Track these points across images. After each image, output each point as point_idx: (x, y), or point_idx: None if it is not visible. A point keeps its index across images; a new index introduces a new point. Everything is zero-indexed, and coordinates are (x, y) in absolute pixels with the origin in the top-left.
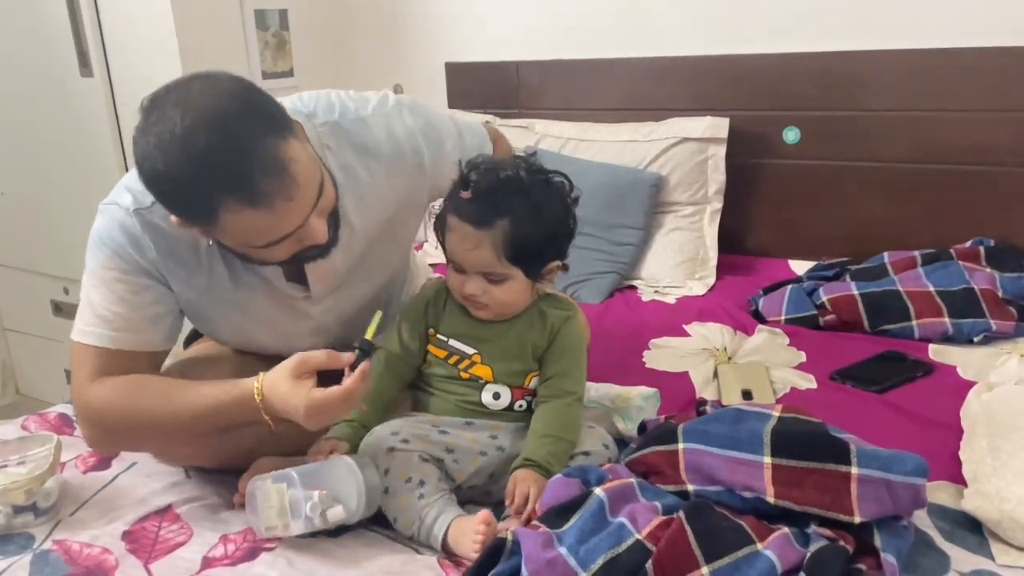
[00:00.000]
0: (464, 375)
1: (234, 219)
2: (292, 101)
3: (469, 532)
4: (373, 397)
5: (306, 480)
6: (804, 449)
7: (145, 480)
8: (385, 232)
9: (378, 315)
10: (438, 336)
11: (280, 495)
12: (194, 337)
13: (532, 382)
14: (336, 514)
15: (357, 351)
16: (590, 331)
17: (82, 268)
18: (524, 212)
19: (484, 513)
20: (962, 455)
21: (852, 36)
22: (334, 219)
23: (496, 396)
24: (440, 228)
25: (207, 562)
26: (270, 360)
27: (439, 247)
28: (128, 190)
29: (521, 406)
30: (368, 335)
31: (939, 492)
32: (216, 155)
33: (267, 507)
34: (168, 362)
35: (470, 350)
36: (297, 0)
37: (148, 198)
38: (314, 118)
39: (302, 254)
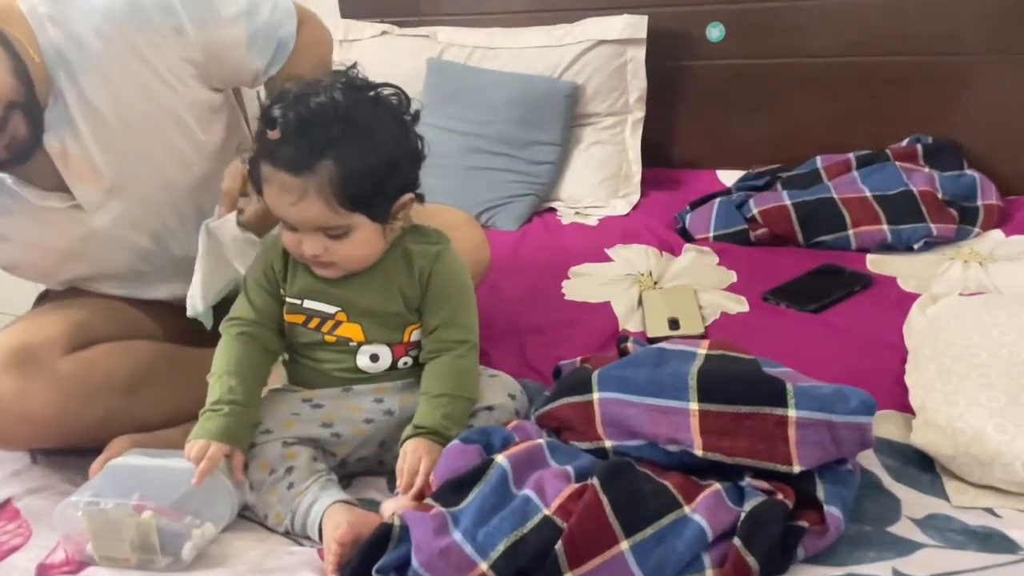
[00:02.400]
0: (330, 338)
1: None
2: None
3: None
4: (237, 372)
5: (173, 503)
6: (735, 392)
7: None
8: (156, 114)
9: None
10: (290, 300)
11: (144, 529)
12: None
13: (414, 335)
14: (206, 538)
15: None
16: (486, 256)
17: None
18: (350, 144)
19: (342, 531)
20: (908, 380)
21: None
22: (25, 111)
23: (374, 358)
24: (255, 179)
25: (43, 571)
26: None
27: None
28: None
29: (406, 363)
30: None
31: (885, 423)
32: None
33: (112, 537)
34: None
35: (331, 308)
36: None
37: None
38: None
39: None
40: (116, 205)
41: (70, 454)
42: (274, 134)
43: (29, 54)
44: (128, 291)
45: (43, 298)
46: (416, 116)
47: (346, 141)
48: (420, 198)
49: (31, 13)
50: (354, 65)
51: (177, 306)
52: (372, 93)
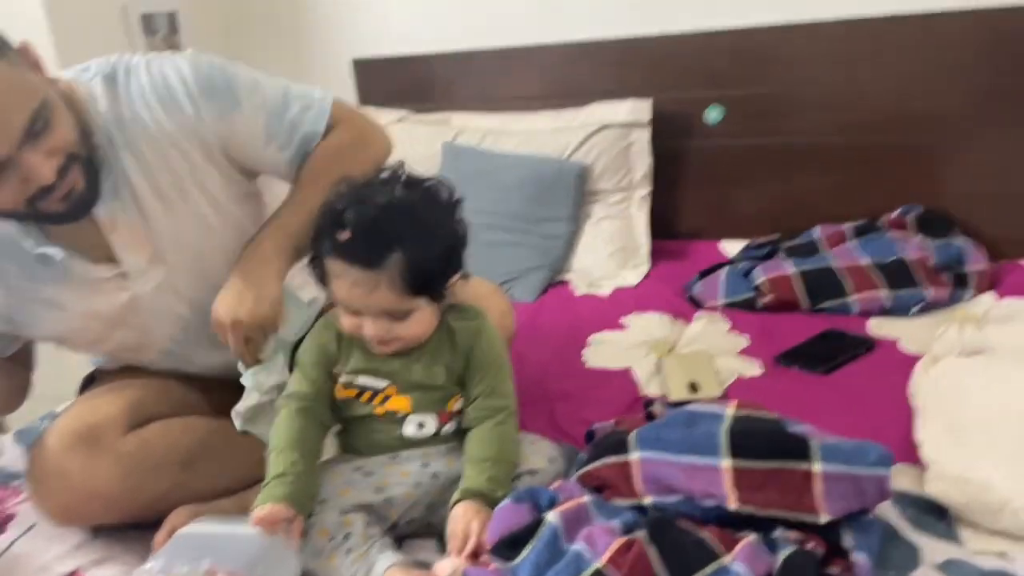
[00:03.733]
0: (380, 410)
1: None
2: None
3: None
4: (298, 446)
5: (242, 567)
6: (763, 448)
7: (46, 544)
8: (190, 190)
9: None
10: (344, 378)
11: None
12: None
13: (457, 404)
14: None
15: None
16: (512, 322)
17: None
18: (416, 237)
19: None
20: (919, 435)
21: (768, 11)
22: (86, 167)
23: (420, 426)
24: (319, 272)
25: None
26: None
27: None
28: None
29: (449, 430)
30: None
31: (899, 476)
32: None
33: None
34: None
35: (382, 383)
36: (187, 1)
37: None
38: (86, 72)
39: (46, 207)
40: (157, 273)
41: (129, 528)
42: (344, 235)
43: (93, 119)
44: (172, 363)
45: (90, 381)
46: (460, 202)
47: (411, 236)
48: (466, 276)
49: (89, 96)
50: (402, 164)
51: (221, 381)
52: (426, 187)
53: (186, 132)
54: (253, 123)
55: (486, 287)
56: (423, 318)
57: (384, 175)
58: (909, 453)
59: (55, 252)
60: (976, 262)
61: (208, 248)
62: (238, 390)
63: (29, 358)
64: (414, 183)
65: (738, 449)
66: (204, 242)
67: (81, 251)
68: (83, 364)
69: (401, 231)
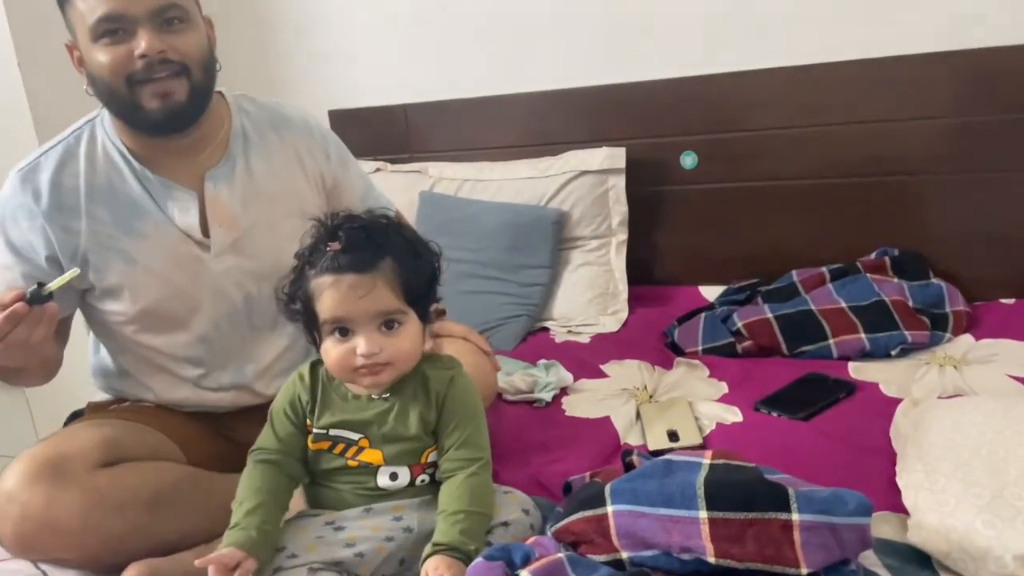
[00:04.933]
0: (352, 463)
1: None
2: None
3: None
4: (258, 497)
5: None
6: (741, 499)
7: None
8: (292, 199)
9: (74, 271)
10: (316, 430)
11: None
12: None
13: (431, 456)
14: None
15: (31, 291)
16: (494, 380)
17: None
18: (404, 248)
19: None
20: (900, 482)
21: (740, 58)
22: (194, 89)
23: (393, 477)
24: (305, 295)
25: None
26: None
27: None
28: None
29: (423, 480)
30: (52, 286)
31: (882, 524)
32: None
33: None
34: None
35: (355, 435)
36: None
37: (33, 155)
38: (232, 91)
39: (142, 94)
40: (231, 258)
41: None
42: (334, 245)
43: (236, 115)
44: (200, 355)
45: (73, 418)
46: (440, 255)
47: (401, 246)
48: (443, 312)
49: (232, 101)
50: (384, 210)
51: (204, 434)
52: (411, 230)
53: (313, 160)
54: (356, 184)
55: (468, 345)
56: (412, 332)
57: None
58: (892, 500)
59: (151, 208)
60: (954, 304)
61: (284, 255)
62: (219, 443)
63: (66, 331)
64: (395, 219)
65: (715, 500)
66: (283, 248)
67: (176, 204)
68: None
69: (392, 241)
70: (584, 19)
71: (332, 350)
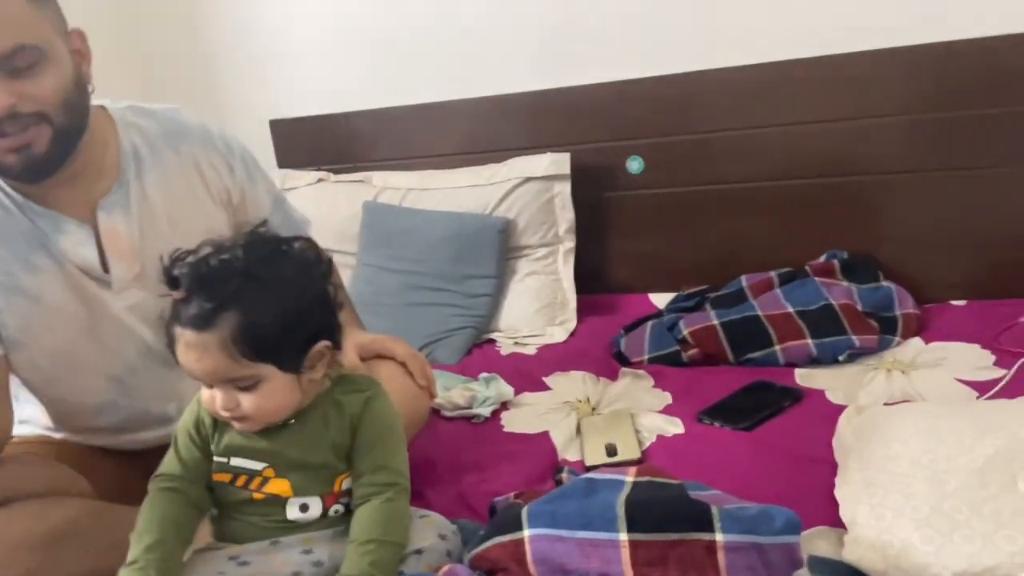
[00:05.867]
0: (258, 496)
1: None
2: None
3: None
4: (159, 529)
5: None
6: (662, 519)
7: None
8: (197, 220)
9: None
10: (217, 459)
11: None
12: None
13: (344, 483)
14: None
15: None
16: (425, 405)
17: None
18: (250, 297)
19: None
20: (837, 494)
21: (681, 58)
22: (57, 135)
23: (304, 508)
24: (170, 343)
25: None
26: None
27: None
28: None
29: (337, 511)
30: None
31: (818, 541)
32: None
33: None
34: None
35: (258, 465)
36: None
37: None
38: (118, 103)
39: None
40: (136, 293)
41: None
42: (178, 294)
43: (124, 132)
44: (112, 398)
45: None
46: (329, 264)
47: (246, 294)
48: (337, 346)
49: (119, 117)
50: (263, 223)
51: (115, 462)
52: (276, 247)
53: (216, 174)
54: (264, 200)
55: (394, 369)
56: (274, 390)
57: (236, 235)
58: (832, 514)
59: (47, 238)
60: (904, 306)
61: None
62: (132, 470)
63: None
64: (262, 242)
65: (636, 521)
66: None
67: (72, 252)
68: None
69: (232, 290)
70: (526, 23)
71: (202, 394)
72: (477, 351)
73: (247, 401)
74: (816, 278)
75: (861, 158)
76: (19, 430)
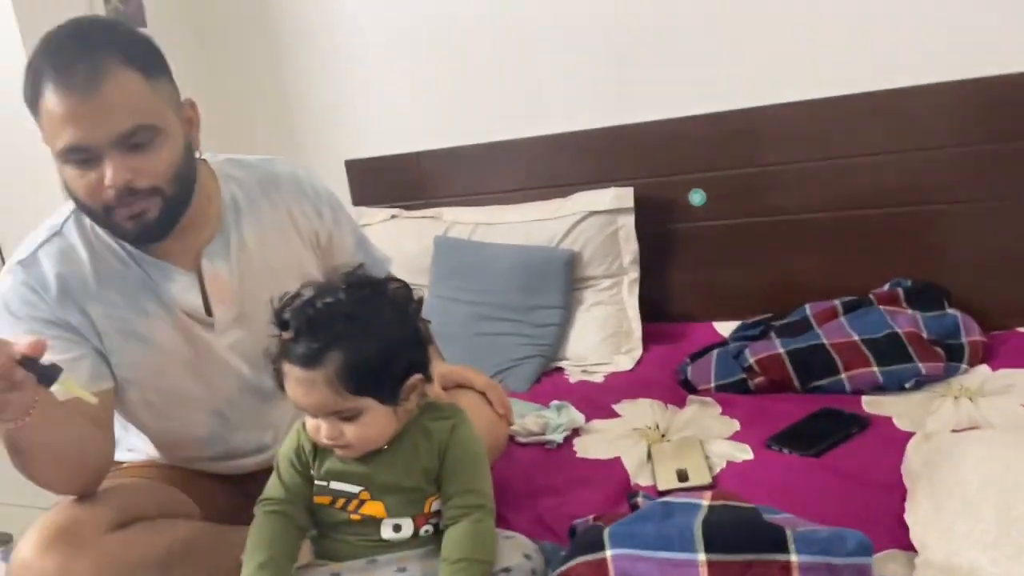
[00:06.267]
0: (355, 517)
1: (46, 102)
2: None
3: None
4: (268, 549)
5: None
6: (739, 541)
7: None
8: (290, 264)
9: (91, 397)
10: (318, 483)
11: None
12: None
13: (433, 505)
14: None
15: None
16: (504, 431)
17: None
18: (353, 337)
19: None
20: (908, 518)
21: (744, 95)
22: (167, 205)
23: (397, 528)
24: (278, 378)
25: None
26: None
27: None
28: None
29: (427, 531)
30: (67, 381)
31: (890, 563)
32: (56, 38)
33: None
34: None
35: (355, 488)
36: None
37: (29, 247)
38: (218, 156)
39: (118, 217)
40: (236, 333)
41: None
42: (287, 335)
43: (225, 185)
44: (216, 430)
45: None
46: (419, 303)
47: (348, 335)
48: (428, 379)
49: (219, 170)
50: (360, 266)
51: (220, 487)
52: (374, 289)
53: (306, 220)
54: (348, 242)
55: (474, 398)
56: (374, 420)
57: (337, 277)
58: (902, 538)
59: (154, 285)
60: (970, 334)
61: None
62: (235, 497)
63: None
64: (361, 284)
65: (713, 542)
66: None
67: (180, 300)
68: None
69: (337, 331)
70: (589, 63)
71: (307, 423)
72: (546, 379)
73: (350, 430)
74: (881, 306)
75: (923, 188)
76: (128, 456)
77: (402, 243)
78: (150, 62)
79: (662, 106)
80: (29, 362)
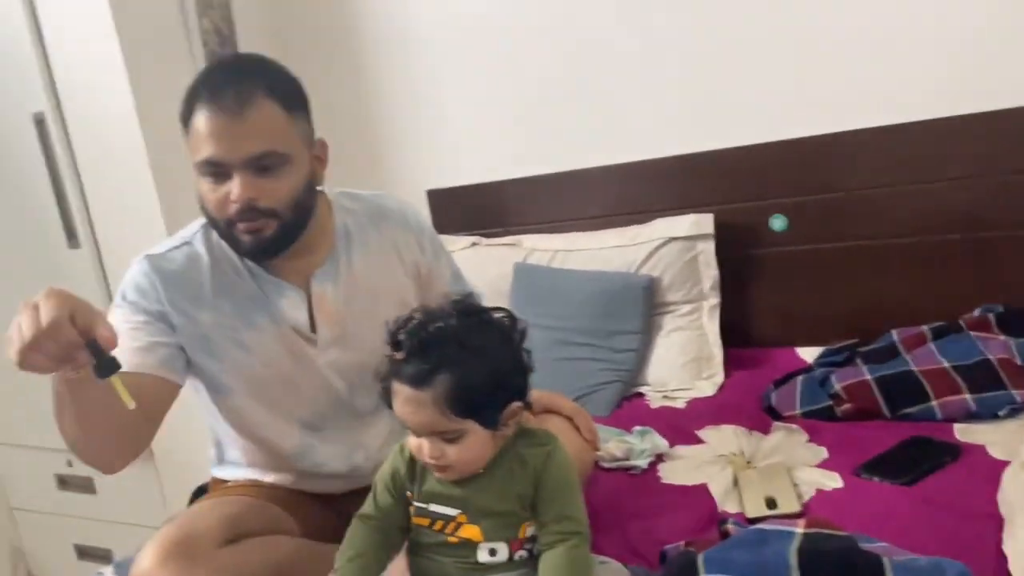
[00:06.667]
0: (453, 539)
1: (196, 119)
2: None
3: None
4: (365, 549)
5: None
6: (834, 569)
7: None
8: (392, 291)
9: (131, 403)
10: (417, 504)
11: None
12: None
13: (528, 531)
14: None
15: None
16: (590, 457)
17: None
18: (463, 361)
19: None
20: (1006, 549)
21: (824, 120)
22: (282, 228)
23: (492, 552)
24: (386, 395)
25: None
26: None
27: None
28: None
29: (522, 556)
30: (117, 381)
31: None
32: (215, 66)
33: None
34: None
35: (453, 511)
36: None
37: (162, 247)
38: (334, 188)
39: (239, 230)
40: (336, 351)
41: None
42: (400, 355)
43: (337, 215)
44: (305, 442)
45: (199, 494)
46: (523, 332)
47: (458, 359)
48: (528, 407)
49: (335, 201)
50: (470, 294)
51: (318, 508)
52: (482, 317)
53: (409, 251)
54: (445, 274)
55: (561, 423)
56: (475, 443)
57: (448, 303)
58: (1001, 569)
59: (265, 302)
60: None
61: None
62: (330, 517)
63: (153, 417)
64: (471, 311)
65: (808, 570)
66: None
67: (287, 301)
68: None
69: (448, 355)
70: (666, 91)
71: (410, 441)
72: (627, 404)
73: (451, 451)
74: (971, 332)
75: (1012, 211)
76: (231, 473)
77: (482, 269)
78: (292, 98)
79: (741, 132)
80: (95, 348)
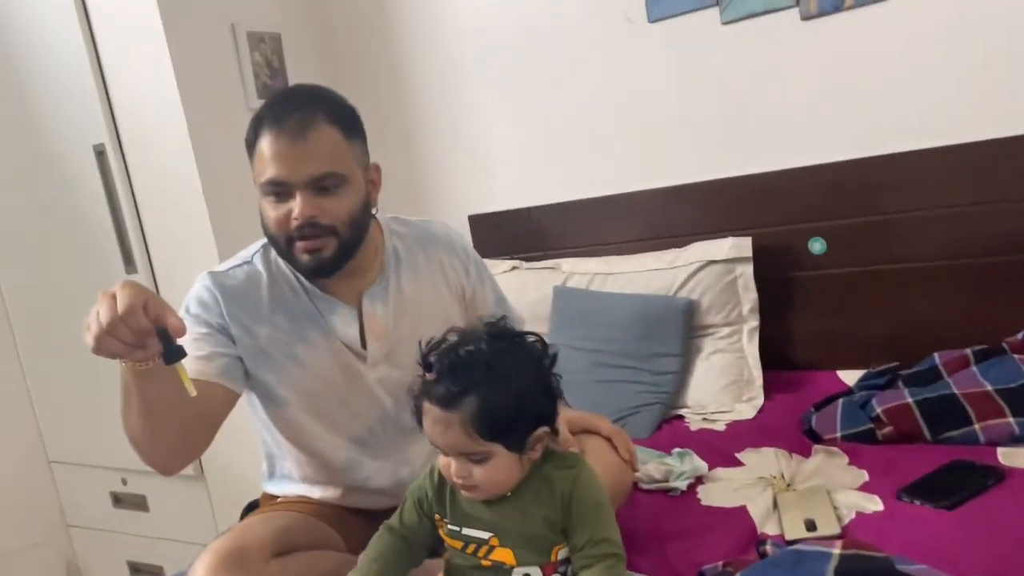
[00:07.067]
0: (486, 563)
1: (261, 143)
2: None
3: None
4: (386, 552)
5: None
6: None
7: None
8: (437, 310)
9: (193, 391)
10: (450, 527)
11: None
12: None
13: (560, 554)
14: None
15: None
16: (628, 478)
17: (137, 460)
18: (490, 385)
19: None
20: None
21: (864, 144)
22: (340, 246)
23: None
24: (418, 413)
25: None
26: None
27: None
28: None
29: None
30: (187, 383)
31: None
32: (279, 95)
33: None
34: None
35: (485, 534)
36: None
37: (224, 265)
38: (385, 214)
39: (297, 250)
40: (384, 368)
41: None
42: (430, 376)
43: (388, 239)
44: (355, 458)
45: (250, 509)
46: (553, 358)
47: (486, 383)
48: (555, 432)
49: (385, 225)
50: (503, 318)
51: (363, 525)
52: (512, 341)
53: (455, 274)
54: (489, 298)
55: (604, 443)
56: (501, 465)
57: (481, 327)
58: None
59: (319, 320)
60: None
61: None
62: (375, 531)
63: (212, 419)
64: (501, 336)
65: None
66: None
67: (339, 318)
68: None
69: (476, 378)
70: (704, 115)
71: (440, 459)
72: (666, 426)
73: (478, 472)
74: (1015, 355)
75: None
76: (281, 488)
77: (523, 292)
78: (350, 125)
79: (779, 156)
80: (164, 336)
